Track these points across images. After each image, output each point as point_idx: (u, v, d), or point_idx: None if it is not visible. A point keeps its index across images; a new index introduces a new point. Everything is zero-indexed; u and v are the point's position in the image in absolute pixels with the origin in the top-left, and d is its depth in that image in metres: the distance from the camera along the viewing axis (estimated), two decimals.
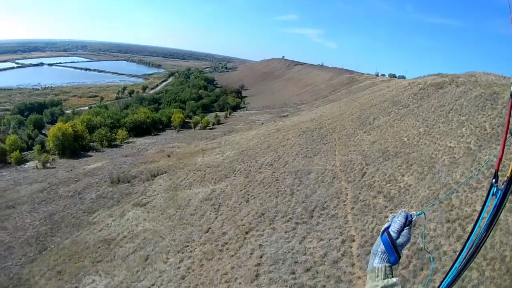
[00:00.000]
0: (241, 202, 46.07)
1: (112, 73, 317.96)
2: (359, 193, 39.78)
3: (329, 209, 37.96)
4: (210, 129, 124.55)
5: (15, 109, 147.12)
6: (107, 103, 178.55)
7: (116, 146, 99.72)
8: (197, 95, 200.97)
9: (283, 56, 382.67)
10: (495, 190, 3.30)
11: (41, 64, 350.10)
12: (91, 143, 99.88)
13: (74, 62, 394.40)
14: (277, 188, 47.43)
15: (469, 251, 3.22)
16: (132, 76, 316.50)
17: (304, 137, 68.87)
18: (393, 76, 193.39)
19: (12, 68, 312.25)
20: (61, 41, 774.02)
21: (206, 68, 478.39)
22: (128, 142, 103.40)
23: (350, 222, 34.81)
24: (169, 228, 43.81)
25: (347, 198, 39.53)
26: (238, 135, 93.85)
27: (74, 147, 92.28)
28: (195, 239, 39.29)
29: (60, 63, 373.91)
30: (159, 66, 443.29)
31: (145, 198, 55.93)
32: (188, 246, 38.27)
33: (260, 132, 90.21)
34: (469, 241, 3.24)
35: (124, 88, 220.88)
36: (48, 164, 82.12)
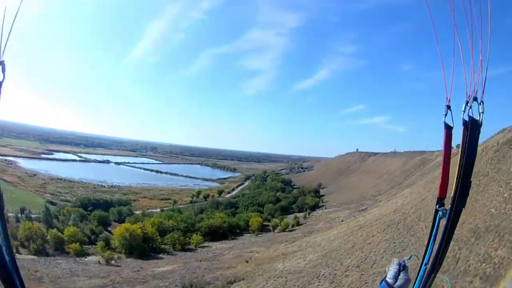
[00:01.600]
0: None
1: (185, 176, 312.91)
2: (456, 282, 33.49)
3: None
4: (290, 231, 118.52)
5: (77, 202, 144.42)
6: (180, 206, 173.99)
7: (190, 250, 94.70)
8: (275, 197, 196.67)
9: (357, 149, 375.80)
10: (441, 213, 4.26)
11: (107, 161, 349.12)
12: (162, 246, 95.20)
13: (143, 163, 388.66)
14: None
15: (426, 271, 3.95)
16: (207, 180, 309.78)
17: (389, 232, 62.85)
18: (459, 145, 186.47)
19: (74, 161, 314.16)
20: (128, 141, 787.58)
21: (282, 169, 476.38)
22: (203, 247, 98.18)
23: None
24: None
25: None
26: (319, 236, 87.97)
27: (143, 248, 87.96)
28: None
29: (129, 163, 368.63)
30: (234, 169, 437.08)
31: None
32: None
33: (341, 230, 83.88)
34: (425, 260, 4.03)
35: (199, 192, 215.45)
36: (113, 262, 77.95)
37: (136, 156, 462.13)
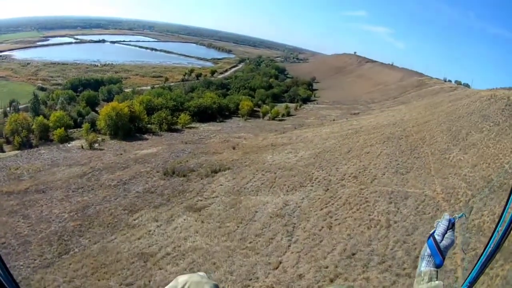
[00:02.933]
0: (322, 228, 35.45)
1: (180, 54, 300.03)
2: (469, 238, 29.40)
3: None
4: (280, 120, 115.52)
5: (67, 84, 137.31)
6: (171, 84, 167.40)
7: (176, 130, 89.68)
8: (268, 83, 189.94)
9: (355, 52, 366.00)
10: None
11: (103, 41, 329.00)
12: (148, 125, 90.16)
13: (139, 41, 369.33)
14: (369, 215, 36.80)
15: (496, 241, 3.28)
16: (201, 59, 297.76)
17: (390, 146, 58.39)
18: (459, 83, 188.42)
19: (70, 43, 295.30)
20: (126, 20, 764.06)
21: (277, 57, 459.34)
22: (190, 127, 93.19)
23: (461, 278, 24.39)
24: (226, 251, 33.08)
25: (456, 244, 28.69)
26: (310, 131, 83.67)
27: (128, 129, 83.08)
28: (259, 276, 28.94)
29: (124, 41, 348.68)
30: (229, 51, 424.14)
31: (201, 201, 45.24)
32: (249, 286, 28.08)
33: (335, 130, 79.82)
34: (496, 230, 3.28)
35: (192, 71, 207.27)
36: (96, 145, 72.85)
37: (133, 35, 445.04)
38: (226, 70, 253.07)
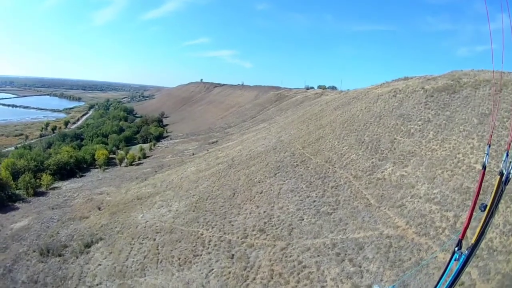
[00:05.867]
0: None
1: (36, 108, 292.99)
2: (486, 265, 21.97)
3: None
4: (137, 164, 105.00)
5: None
6: (31, 141, 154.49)
7: (42, 193, 77.06)
8: (119, 127, 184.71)
9: (202, 79, 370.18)
10: (457, 255, 4.17)
11: None
12: (17, 191, 76.62)
13: (2, 98, 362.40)
14: (322, 286, 25.34)
15: None
16: (55, 111, 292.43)
17: (288, 178, 46.64)
18: (323, 87, 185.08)
19: None
20: None
21: (124, 98, 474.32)
22: (53, 188, 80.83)
23: None
24: None
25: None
26: (173, 173, 72.09)
27: (0, 199, 69.45)
28: None
29: None
30: (79, 99, 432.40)
31: None
32: None
33: (201, 168, 67.89)
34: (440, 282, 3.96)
35: (47, 125, 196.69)
36: None
37: None
38: (78, 119, 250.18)
